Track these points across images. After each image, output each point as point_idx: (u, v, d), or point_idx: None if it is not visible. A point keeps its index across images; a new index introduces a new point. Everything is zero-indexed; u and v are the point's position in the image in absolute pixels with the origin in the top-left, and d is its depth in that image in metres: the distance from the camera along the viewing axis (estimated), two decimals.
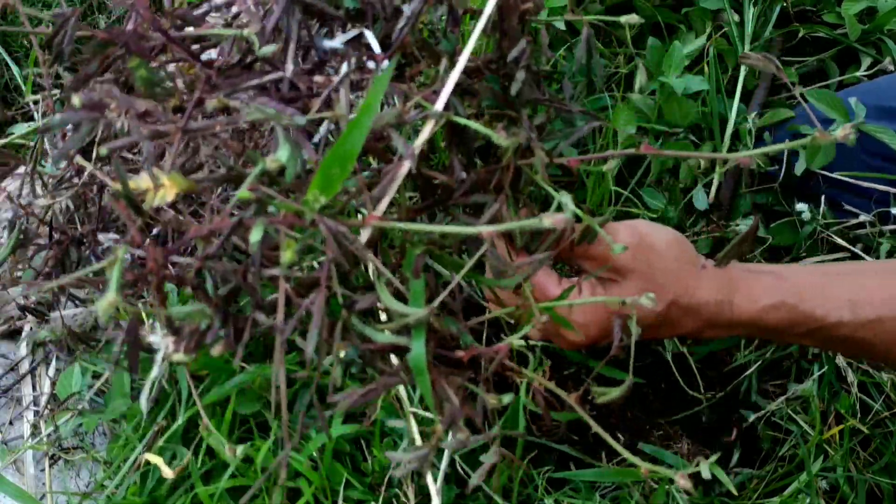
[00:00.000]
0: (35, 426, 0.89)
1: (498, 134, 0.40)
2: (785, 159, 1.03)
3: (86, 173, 0.65)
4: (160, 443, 0.80)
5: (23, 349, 0.94)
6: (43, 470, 0.87)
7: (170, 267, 0.36)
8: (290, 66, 0.41)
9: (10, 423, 0.91)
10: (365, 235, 0.37)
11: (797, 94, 1.04)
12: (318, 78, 0.42)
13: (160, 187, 0.33)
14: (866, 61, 1.12)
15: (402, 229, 0.38)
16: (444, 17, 0.48)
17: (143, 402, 0.38)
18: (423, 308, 0.37)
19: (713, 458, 0.86)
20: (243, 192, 0.34)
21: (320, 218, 0.35)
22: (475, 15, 0.44)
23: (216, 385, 0.82)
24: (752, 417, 0.93)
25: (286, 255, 0.34)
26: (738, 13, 1.12)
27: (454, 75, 0.41)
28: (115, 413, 0.85)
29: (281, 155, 0.35)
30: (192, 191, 0.34)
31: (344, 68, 0.42)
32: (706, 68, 1.09)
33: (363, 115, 0.36)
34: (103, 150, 0.34)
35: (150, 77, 0.38)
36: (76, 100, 0.36)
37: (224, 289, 0.36)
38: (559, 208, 0.38)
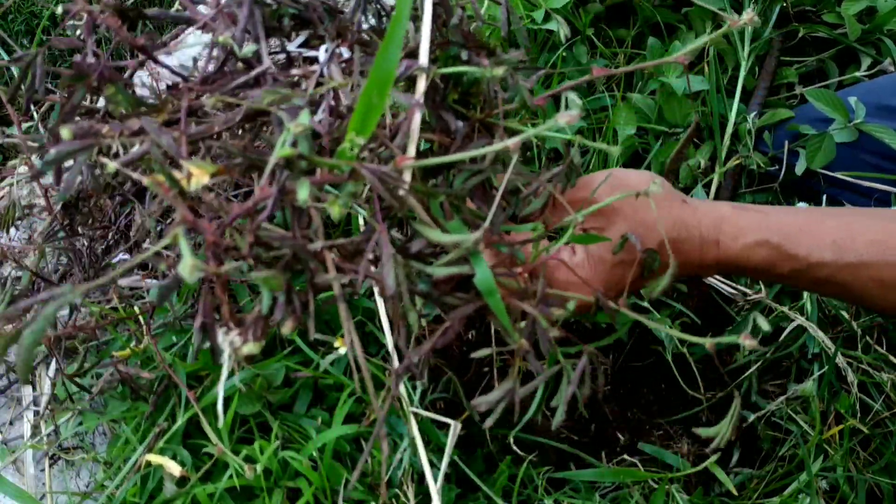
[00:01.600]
0: (35, 426, 0.89)
1: (483, 67, 0.41)
2: (785, 159, 1.03)
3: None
4: (160, 444, 0.80)
5: None
6: (43, 470, 0.87)
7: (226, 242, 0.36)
8: (267, 62, 0.42)
9: (11, 423, 0.91)
10: (406, 176, 0.38)
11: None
12: (294, 71, 0.43)
13: (191, 176, 0.34)
14: (866, 61, 1.12)
15: (436, 164, 0.39)
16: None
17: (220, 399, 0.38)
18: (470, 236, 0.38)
19: (713, 458, 0.86)
20: (284, 150, 0.34)
21: (360, 164, 0.35)
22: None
23: (216, 385, 0.82)
24: (752, 417, 0.93)
25: (335, 211, 0.35)
26: (738, 13, 1.12)
27: (426, 28, 0.41)
28: (116, 413, 0.85)
29: (302, 119, 0.35)
30: (220, 174, 0.35)
31: (323, 52, 0.43)
32: (706, 68, 1.09)
33: (395, 27, 0.36)
34: (111, 167, 0.34)
35: (131, 99, 0.39)
36: (66, 132, 0.36)
37: (281, 260, 0.37)
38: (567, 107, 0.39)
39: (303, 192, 0.34)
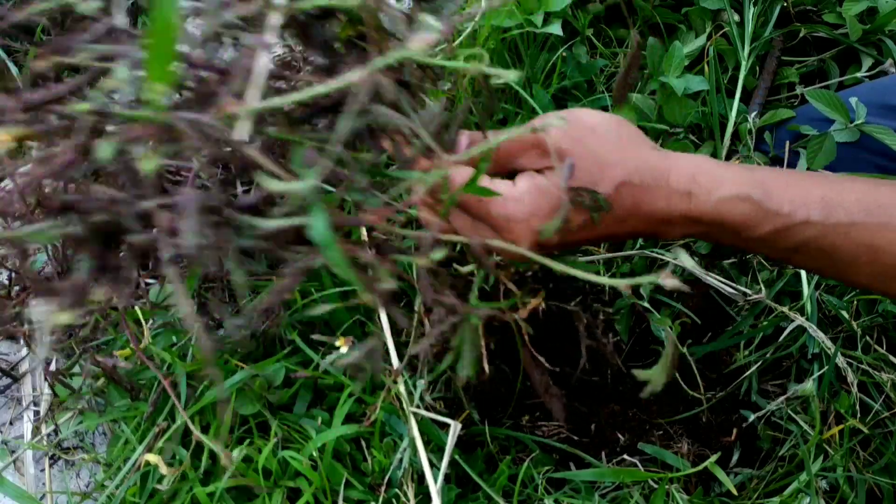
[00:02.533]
0: (35, 426, 0.89)
1: None
2: (786, 159, 1.03)
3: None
4: (160, 444, 0.80)
5: (23, 349, 0.94)
6: (43, 470, 0.87)
7: None
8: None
9: (10, 423, 0.91)
10: (242, 125, 0.34)
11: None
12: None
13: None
14: (867, 62, 1.12)
15: (271, 108, 0.35)
16: None
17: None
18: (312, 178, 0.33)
19: (713, 458, 0.86)
20: (81, 105, 0.32)
21: (174, 114, 0.32)
22: None
23: (216, 385, 0.82)
24: (752, 417, 0.93)
25: (146, 165, 0.32)
26: (738, 13, 1.12)
27: None
28: (116, 413, 0.85)
29: (120, 73, 0.33)
30: (28, 139, 0.33)
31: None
32: (706, 68, 1.09)
33: None
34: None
35: None
36: None
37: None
38: None
39: (105, 150, 0.31)
